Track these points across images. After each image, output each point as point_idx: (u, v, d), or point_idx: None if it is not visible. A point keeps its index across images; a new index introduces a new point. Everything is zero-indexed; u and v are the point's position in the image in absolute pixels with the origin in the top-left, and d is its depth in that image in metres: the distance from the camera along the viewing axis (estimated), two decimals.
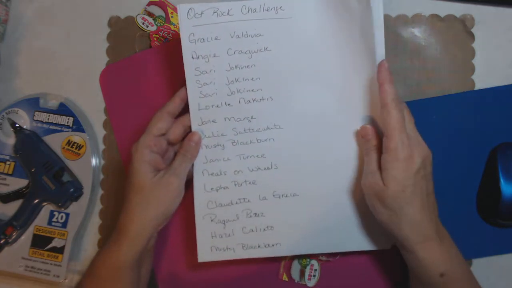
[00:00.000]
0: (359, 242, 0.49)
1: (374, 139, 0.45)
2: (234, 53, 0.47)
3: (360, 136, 0.47)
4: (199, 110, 0.48)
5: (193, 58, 0.47)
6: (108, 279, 0.45)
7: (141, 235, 0.45)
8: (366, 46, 0.45)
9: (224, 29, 0.46)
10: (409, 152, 0.41)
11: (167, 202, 0.45)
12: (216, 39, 0.46)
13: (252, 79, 0.48)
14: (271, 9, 0.46)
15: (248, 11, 0.46)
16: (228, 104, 0.48)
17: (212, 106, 0.48)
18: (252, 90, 0.48)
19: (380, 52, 0.44)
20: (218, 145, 0.48)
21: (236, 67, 0.47)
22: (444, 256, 0.43)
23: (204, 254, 0.49)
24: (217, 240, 0.49)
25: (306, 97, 0.48)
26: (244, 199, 0.49)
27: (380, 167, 0.43)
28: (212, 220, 0.49)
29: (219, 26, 0.46)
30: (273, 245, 0.49)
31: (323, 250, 0.50)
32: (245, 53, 0.47)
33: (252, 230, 0.49)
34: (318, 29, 0.47)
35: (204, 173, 0.49)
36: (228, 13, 0.46)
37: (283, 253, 0.49)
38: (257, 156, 0.48)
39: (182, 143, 0.48)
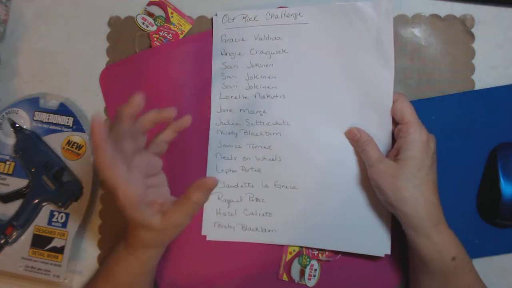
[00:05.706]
0: (352, 244, 0.50)
1: (363, 135, 0.48)
2: (256, 53, 0.53)
3: (350, 140, 0.50)
4: (219, 98, 0.54)
5: (222, 54, 0.54)
6: (128, 285, 0.46)
7: (159, 253, 0.46)
8: (378, 55, 0.49)
9: (250, 32, 0.53)
10: (427, 136, 0.45)
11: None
12: (242, 40, 0.54)
13: (269, 77, 0.53)
14: (291, 15, 0.52)
15: (271, 17, 0.53)
16: (245, 97, 0.53)
17: (231, 97, 0.54)
18: (268, 87, 0.53)
19: (390, 64, 0.49)
20: (232, 132, 0.53)
21: (256, 65, 0.53)
22: (454, 239, 0.44)
23: (208, 229, 0.53)
24: (220, 217, 0.53)
25: (315, 98, 0.51)
26: (248, 183, 0.53)
27: (379, 157, 0.46)
28: (219, 198, 0.53)
29: (246, 30, 0.53)
30: (269, 231, 0.52)
31: (316, 245, 0.51)
32: (265, 53, 0.53)
33: (252, 213, 0.53)
34: (330, 34, 0.51)
35: (217, 155, 0.54)
36: (254, 19, 0.53)
37: (278, 241, 0.52)
38: (264, 147, 0.53)
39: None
